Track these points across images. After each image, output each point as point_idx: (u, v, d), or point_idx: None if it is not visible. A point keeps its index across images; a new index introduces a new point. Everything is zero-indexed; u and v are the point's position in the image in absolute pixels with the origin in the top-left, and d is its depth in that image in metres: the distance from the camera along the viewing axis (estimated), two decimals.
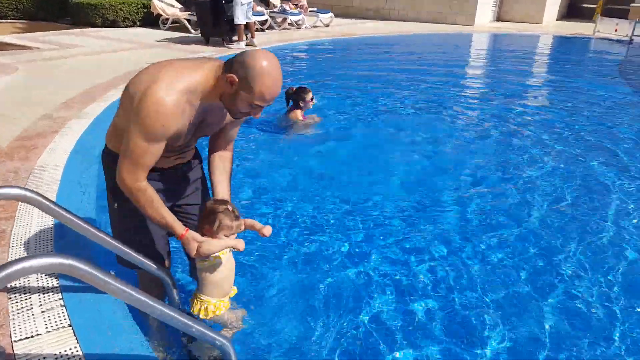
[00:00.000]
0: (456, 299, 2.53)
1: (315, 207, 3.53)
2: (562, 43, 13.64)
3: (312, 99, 5.22)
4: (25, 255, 2.32)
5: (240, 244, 1.90)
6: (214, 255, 1.89)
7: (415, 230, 3.23)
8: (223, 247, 1.88)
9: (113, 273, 1.40)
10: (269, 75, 1.64)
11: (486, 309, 2.45)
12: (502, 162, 4.52)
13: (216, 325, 2.08)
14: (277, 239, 3.05)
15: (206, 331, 1.62)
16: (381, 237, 3.12)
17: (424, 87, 7.47)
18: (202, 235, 1.88)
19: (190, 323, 1.56)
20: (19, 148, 4.02)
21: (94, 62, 8.22)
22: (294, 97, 5.23)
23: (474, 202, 3.63)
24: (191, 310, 2.01)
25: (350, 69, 8.96)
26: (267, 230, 2.01)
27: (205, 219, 1.91)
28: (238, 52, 6.46)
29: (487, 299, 2.53)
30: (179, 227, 1.83)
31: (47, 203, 1.81)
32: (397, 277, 2.71)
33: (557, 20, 18.63)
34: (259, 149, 4.73)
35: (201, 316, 1.98)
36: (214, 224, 1.87)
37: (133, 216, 1.91)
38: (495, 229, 3.25)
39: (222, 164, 2.05)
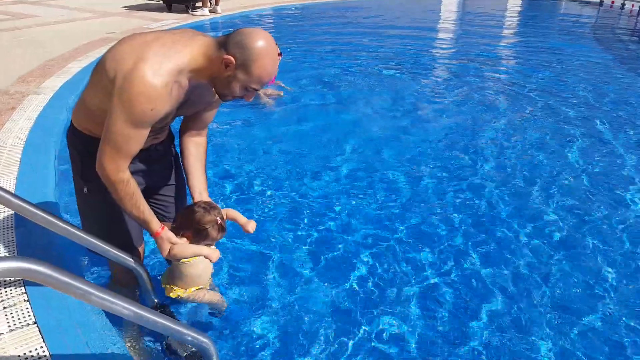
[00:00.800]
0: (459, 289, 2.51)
1: (281, 186, 3.44)
2: (532, 5, 13.71)
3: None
4: None
5: (214, 255, 1.81)
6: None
7: (388, 201, 3.20)
8: (196, 254, 1.80)
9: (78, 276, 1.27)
10: (268, 57, 1.52)
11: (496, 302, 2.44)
12: (477, 124, 4.55)
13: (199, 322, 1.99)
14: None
15: (186, 331, 1.52)
16: (357, 214, 3.06)
17: (393, 50, 7.41)
18: (177, 234, 1.79)
19: (168, 324, 1.45)
20: None
21: (50, 32, 7.73)
22: None
23: (446, 171, 3.64)
24: (166, 293, 1.92)
25: (317, 34, 8.76)
26: (251, 226, 1.92)
27: (189, 227, 1.81)
28: (202, 19, 6.15)
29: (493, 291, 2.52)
30: (155, 224, 1.72)
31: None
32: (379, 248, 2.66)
33: None
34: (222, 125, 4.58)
35: (179, 295, 1.90)
36: (200, 235, 1.80)
37: (105, 201, 1.74)
38: (475, 200, 3.25)
39: (196, 151, 1.92)
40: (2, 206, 2.54)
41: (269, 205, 3.15)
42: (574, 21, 12.11)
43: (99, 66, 1.56)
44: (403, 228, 2.92)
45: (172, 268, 1.94)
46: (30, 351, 1.69)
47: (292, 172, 3.63)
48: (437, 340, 2.12)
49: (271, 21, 10.26)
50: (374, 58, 7.10)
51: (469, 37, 9.43)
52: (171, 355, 1.84)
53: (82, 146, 1.71)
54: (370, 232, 2.89)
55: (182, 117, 1.89)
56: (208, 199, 1.88)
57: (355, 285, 2.44)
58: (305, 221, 2.99)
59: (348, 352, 2.05)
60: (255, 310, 2.27)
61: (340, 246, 2.74)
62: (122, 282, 2.10)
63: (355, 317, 2.23)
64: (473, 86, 5.85)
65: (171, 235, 1.76)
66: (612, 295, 2.41)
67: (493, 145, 4.17)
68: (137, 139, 1.55)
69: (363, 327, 2.17)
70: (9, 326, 1.80)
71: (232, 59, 1.50)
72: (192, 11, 9.69)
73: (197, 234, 1.79)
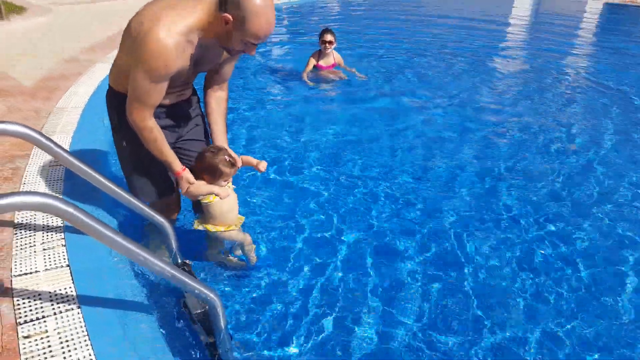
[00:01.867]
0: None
1: (326, 162, 3.47)
2: (613, 11, 12.73)
3: (329, 42, 5.03)
4: None
5: (223, 193, 2.10)
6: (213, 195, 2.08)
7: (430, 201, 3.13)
8: (208, 192, 2.08)
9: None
10: (263, 15, 1.67)
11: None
12: (544, 128, 4.29)
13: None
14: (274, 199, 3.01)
15: (194, 284, 1.60)
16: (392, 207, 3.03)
17: (457, 46, 7.16)
18: (197, 178, 2.06)
19: (177, 274, 1.54)
20: (42, 89, 4.05)
21: (121, 9, 8.17)
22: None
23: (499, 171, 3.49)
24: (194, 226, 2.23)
25: (378, 23, 8.63)
26: (263, 166, 2.23)
27: (204, 169, 2.05)
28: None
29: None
30: (177, 165, 2.00)
31: (47, 142, 1.79)
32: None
33: None
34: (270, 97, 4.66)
35: (211, 230, 2.18)
36: (215, 175, 2.06)
37: (142, 150, 1.98)
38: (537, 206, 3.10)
39: (217, 106, 2.14)
40: (54, 161, 2.77)
41: (311, 181, 3.20)
42: None
43: (127, 29, 1.78)
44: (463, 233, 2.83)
45: (203, 212, 2.19)
46: (60, 289, 1.84)
47: (336, 153, 3.65)
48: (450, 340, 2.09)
49: (331, 8, 10.25)
50: (439, 51, 6.92)
51: (544, 38, 8.95)
52: (184, 308, 1.94)
53: (118, 103, 1.92)
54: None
55: (204, 75, 2.10)
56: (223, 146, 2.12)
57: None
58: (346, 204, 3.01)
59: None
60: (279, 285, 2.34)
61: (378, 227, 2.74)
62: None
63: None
64: (543, 83, 5.54)
65: (190, 176, 2.04)
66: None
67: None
68: (157, 91, 1.78)
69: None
70: (45, 266, 1.97)
71: (230, 17, 1.68)
72: None
73: (212, 174, 2.06)
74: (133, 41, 1.71)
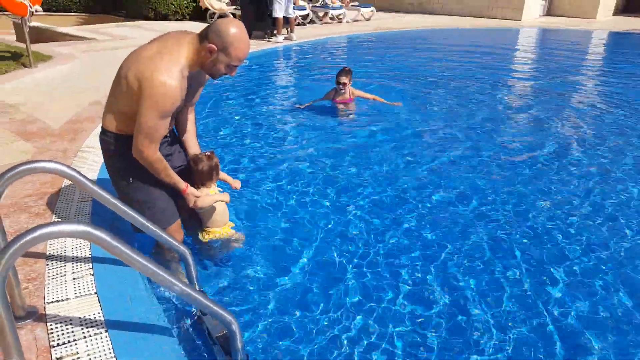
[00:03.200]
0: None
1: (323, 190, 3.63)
2: (617, 40, 12.90)
3: (343, 83, 5.27)
4: None
5: (227, 197, 2.54)
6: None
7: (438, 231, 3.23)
8: (214, 202, 2.48)
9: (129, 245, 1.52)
10: (242, 40, 2.04)
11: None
12: (555, 165, 4.22)
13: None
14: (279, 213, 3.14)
15: (214, 306, 1.73)
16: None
17: (460, 82, 7.32)
18: (196, 187, 2.45)
19: (198, 297, 1.67)
20: (68, 130, 4.32)
21: None
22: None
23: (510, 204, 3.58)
24: (201, 239, 2.61)
25: (388, 61, 8.91)
26: (237, 184, 2.69)
27: (197, 175, 2.46)
28: (276, 45, 6.63)
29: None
30: (182, 184, 2.33)
31: (80, 178, 1.97)
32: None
33: (613, 15, 17.59)
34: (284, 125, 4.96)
35: (213, 237, 2.60)
36: (208, 175, 2.47)
37: (147, 184, 2.29)
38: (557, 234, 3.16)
39: (191, 127, 2.52)
40: (82, 197, 2.96)
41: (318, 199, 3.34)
42: None
43: (122, 80, 2.05)
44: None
45: (202, 223, 2.60)
46: (89, 315, 1.98)
47: (346, 177, 3.78)
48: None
49: (344, 48, 10.62)
50: (444, 85, 7.12)
51: (542, 72, 9.14)
52: (207, 334, 2.06)
53: (119, 143, 2.19)
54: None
55: None
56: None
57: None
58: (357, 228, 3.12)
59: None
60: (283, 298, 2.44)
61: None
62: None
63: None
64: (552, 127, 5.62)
65: (194, 190, 2.39)
66: None
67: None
68: (164, 126, 2.09)
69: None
70: (75, 294, 2.12)
71: (214, 46, 2.01)
72: (268, 38, 10.29)
73: (206, 176, 2.46)
74: (137, 89, 1.99)
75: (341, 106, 5.49)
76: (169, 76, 1.96)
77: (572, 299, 2.50)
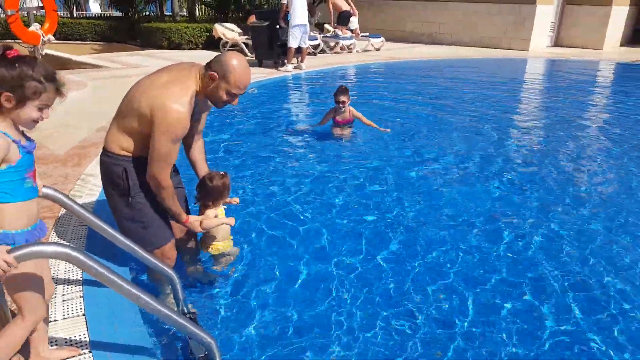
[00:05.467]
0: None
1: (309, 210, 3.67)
2: (622, 70, 12.93)
3: (342, 102, 5.34)
4: None
5: (232, 221, 2.62)
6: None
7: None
8: (219, 224, 2.58)
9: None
10: (242, 69, 2.22)
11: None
12: (562, 203, 4.04)
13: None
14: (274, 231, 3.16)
15: (193, 328, 1.75)
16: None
17: (465, 113, 7.36)
18: (204, 206, 2.58)
19: (177, 318, 1.70)
20: (73, 156, 4.44)
21: None
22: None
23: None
24: (208, 253, 2.76)
25: (393, 91, 9.02)
26: (235, 200, 2.80)
27: (208, 194, 2.56)
28: (285, 74, 6.82)
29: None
30: (184, 214, 2.42)
31: (68, 202, 2.02)
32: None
33: (620, 46, 17.65)
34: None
35: (217, 251, 2.72)
36: (222, 196, 2.59)
37: (146, 204, 2.35)
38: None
39: (199, 153, 2.66)
40: (79, 222, 3.02)
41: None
42: None
43: (131, 103, 2.18)
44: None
45: (205, 240, 2.71)
46: (75, 336, 2.01)
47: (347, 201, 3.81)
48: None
49: (354, 74, 10.83)
50: (451, 113, 7.17)
51: (545, 102, 9.18)
52: (190, 355, 2.07)
53: (121, 164, 2.28)
54: None
55: None
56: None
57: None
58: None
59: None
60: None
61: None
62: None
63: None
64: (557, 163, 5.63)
65: (195, 217, 2.49)
66: None
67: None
68: (176, 151, 2.23)
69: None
70: (63, 315, 2.16)
71: (215, 74, 2.19)
72: (279, 68, 10.53)
73: (217, 195, 2.55)
74: (150, 117, 2.12)
75: (339, 130, 5.57)
76: (181, 104, 2.12)
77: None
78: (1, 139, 1.48)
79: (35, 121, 1.58)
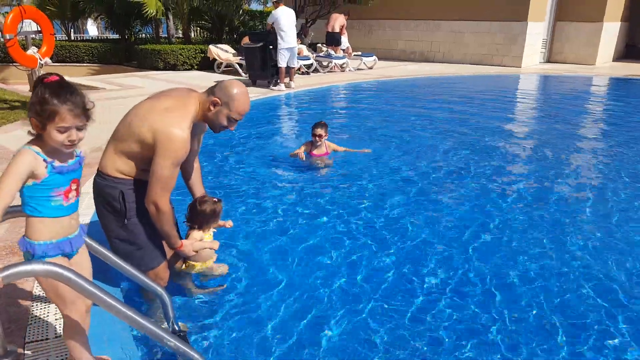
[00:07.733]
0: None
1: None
2: (615, 85, 13.15)
3: (318, 135, 5.15)
4: None
5: (216, 245, 2.71)
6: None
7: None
8: (204, 248, 2.63)
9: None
10: (244, 97, 2.36)
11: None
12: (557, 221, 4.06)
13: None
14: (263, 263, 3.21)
15: (183, 347, 1.80)
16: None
17: (456, 131, 7.45)
18: (191, 227, 2.65)
19: (168, 338, 1.74)
20: None
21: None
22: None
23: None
24: (179, 269, 2.73)
25: (381, 108, 9.15)
26: (229, 223, 2.89)
27: (197, 216, 2.63)
28: (278, 94, 6.81)
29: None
30: (178, 242, 2.46)
31: None
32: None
33: (613, 61, 17.98)
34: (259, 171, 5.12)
35: (192, 268, 2.72)
36: (212, 218, 2.65)
37: (140, 226, 2.39)
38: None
39: (196, 175, 2.74)
40: None
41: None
42: None
43: (131, 127, 2.23)
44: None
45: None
46: (66, 354, 2.05)
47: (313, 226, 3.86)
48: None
49: (345, 93, 10.99)
50: (441, 132, 7.24)
51: (533, 118, 9.32)
52: None
53: (121, 187, 2.31)
54: None
55: None
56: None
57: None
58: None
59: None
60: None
61: None
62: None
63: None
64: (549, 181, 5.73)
65: (188, 242, 2.54)
66: None
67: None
68: (176, 175, 2.28)
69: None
70: (55, 334, 2.20)
71: (218, 100, 2.32)
72: (271, 87, 10.69)
73: (206, 219, 2.62)
74: (152, 141, 2.18)
75: (315, 159, 5.33)
76: (182, 129, 2.20)
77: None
78: (31, 156, 1.56)
79: (65, 144, 1.58)
